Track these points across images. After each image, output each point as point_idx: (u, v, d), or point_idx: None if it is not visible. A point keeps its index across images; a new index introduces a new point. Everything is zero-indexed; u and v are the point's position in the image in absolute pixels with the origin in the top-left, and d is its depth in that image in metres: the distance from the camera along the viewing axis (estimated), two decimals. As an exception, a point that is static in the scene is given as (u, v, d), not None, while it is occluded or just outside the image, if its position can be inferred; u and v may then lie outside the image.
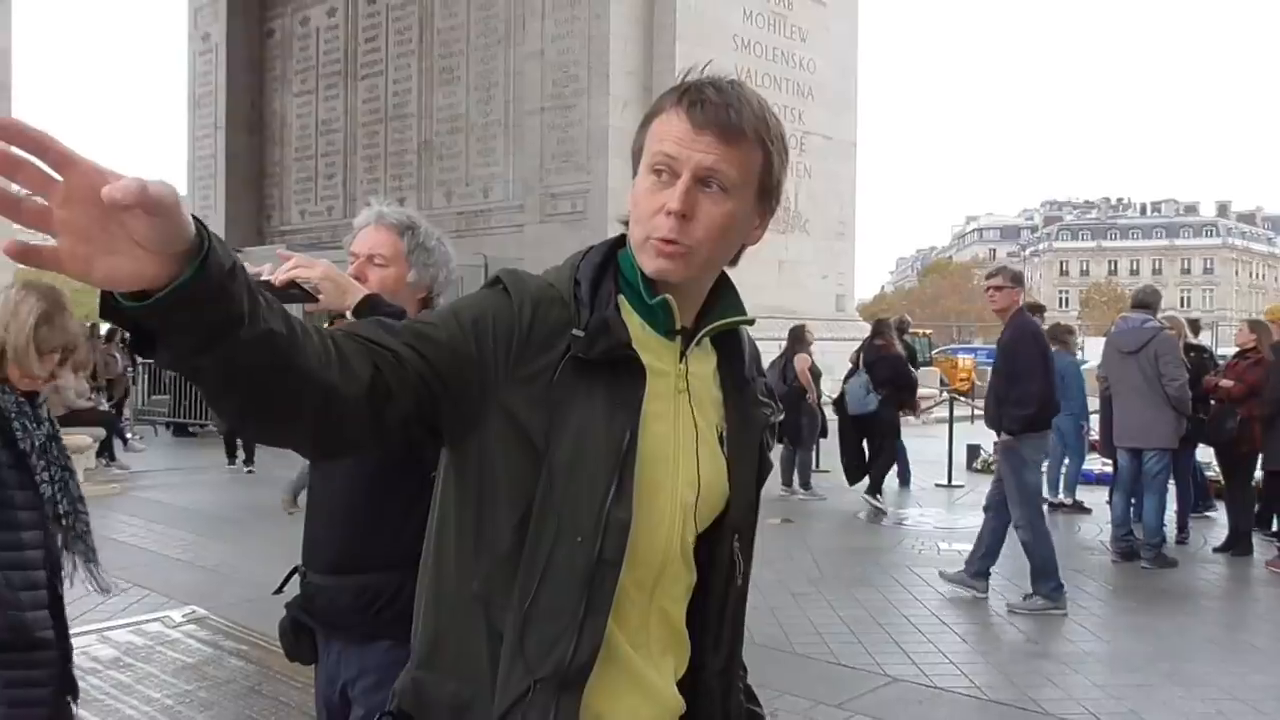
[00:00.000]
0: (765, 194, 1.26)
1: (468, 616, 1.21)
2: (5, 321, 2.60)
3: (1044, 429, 6.06)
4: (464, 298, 1.25)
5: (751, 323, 1.35)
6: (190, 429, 15.21)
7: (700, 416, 1.28)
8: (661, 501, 1.23)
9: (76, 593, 6.69)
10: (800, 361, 9.63)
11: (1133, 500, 7.35)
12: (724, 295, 1.31)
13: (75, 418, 10.50)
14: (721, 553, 1.32)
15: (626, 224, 1.27)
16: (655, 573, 1.25)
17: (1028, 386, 5.84)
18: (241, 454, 11.41)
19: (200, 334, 0.91)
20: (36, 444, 2.62)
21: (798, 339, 9.84)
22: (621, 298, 1.25)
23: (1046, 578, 5.79)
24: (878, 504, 8.99)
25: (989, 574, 6.10)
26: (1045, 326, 10.17)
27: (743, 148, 1.21)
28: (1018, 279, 6.14)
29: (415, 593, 1.33)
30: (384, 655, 1.97)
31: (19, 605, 2.56)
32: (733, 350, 1.35)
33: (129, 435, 12.73)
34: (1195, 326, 9.50)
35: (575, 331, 1.18)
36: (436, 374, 1.13)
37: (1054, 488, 9.19)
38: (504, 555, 1.19)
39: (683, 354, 1.27)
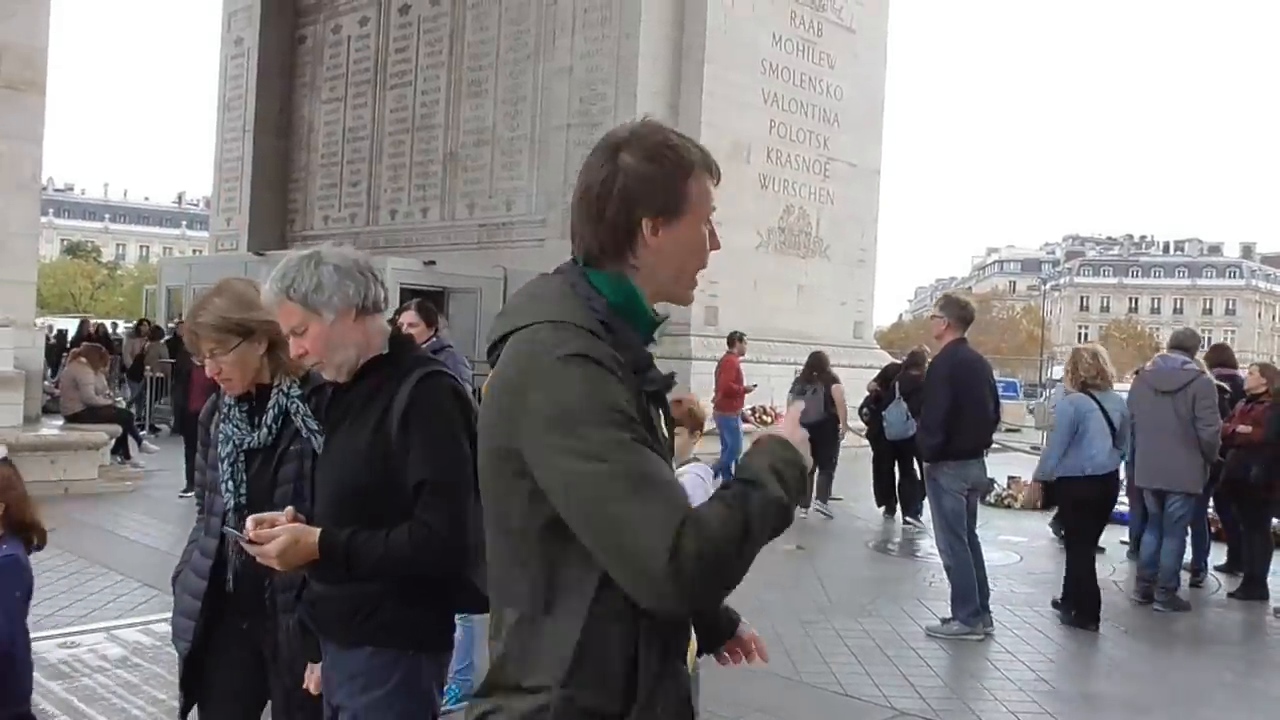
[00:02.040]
0: None
1: (612, 631, 1.36)
2: None
3: (959, 458, 6.08)
4: (599, 394, 1.33)
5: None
6: None
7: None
8: None
9: (88, 589, 6.67)
10: (838, 391, 10.05)
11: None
12: None
13: (92, 415, 10.58)
14: None
15: (599, 255, 1.56)
16: None
17: (933, 415, 6.08)
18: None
19: None
20: (231, 447, 2.38)
21: (824, 368, 10.24)
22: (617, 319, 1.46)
23: (965, 603, 5.99)
24: (918, 525, 9.60)
25: (988, 608, 6.09)
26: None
27: None
28: (955, 314, 6.24)
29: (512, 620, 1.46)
30: (367, 660, 2.11)
31: (178, 607, 2.57)
32: None
33: (143, 435, 12.77)
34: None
35: (635, 372, 1.40)
36: None
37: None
38: None
39: None
